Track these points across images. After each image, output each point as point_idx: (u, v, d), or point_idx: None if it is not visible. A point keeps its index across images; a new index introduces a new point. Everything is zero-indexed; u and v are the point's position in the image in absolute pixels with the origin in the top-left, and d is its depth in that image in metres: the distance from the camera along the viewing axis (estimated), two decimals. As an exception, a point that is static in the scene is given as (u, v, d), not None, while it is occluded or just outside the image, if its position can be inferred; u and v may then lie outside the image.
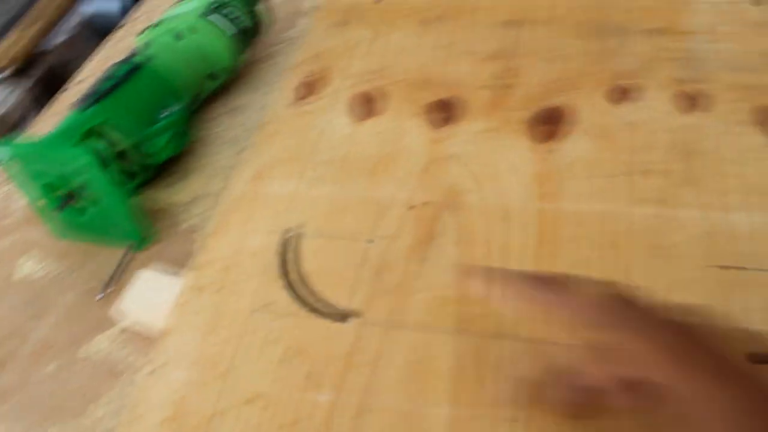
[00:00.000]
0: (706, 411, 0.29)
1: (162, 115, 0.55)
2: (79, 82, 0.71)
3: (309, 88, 0.60)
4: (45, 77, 1.27)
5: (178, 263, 0.51)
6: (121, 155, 0.53)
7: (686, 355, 0.30)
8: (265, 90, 0.65)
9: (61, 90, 0.70)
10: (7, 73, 1.25)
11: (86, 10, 1.40)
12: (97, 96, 0.53)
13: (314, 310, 0.43)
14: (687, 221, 0.45)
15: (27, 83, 1.26)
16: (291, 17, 0.74)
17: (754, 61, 0.55)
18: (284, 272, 0.46)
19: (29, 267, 0.53)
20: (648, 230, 0.45)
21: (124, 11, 1.34)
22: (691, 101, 0.53)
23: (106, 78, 0.55)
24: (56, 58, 1.31)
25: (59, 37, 1.34)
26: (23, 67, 1.26)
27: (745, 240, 0.43)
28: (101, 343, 0.47)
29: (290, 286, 0.45)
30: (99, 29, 1.39)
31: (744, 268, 0.42)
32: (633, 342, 0.30)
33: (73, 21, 1.38)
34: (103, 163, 0.52)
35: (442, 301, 0.43)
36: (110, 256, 0.53)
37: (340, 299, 0.44)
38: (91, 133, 0.52)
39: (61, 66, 1.28)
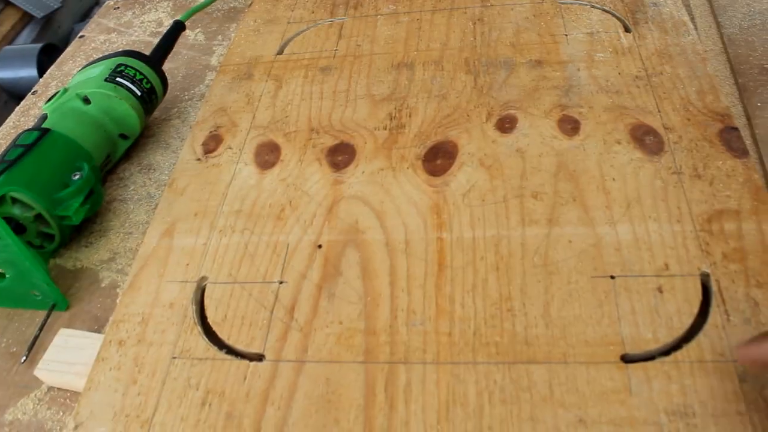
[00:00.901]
0: None
1: (72, 179, 0.56)
2: (-8, 150, 0.72)
3: (215, 142, 0.62)
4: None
5: (101, 320, 0.53)
6: (31, 222, 0.54)
7: None
8: (176, 146, 0.67)
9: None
10: None
11: (2, 76, 1.39)
12: (7, 164, 0.54)
13: (231, 352, 0.46)
14: (574, 237, 0.49)
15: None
16: (200, 72, 0.76)
17: (627, 83, 0.59)
18: (200, 319, 0.48)
19: (-51, 338, 0.54)
20: (538, 250, 0.48)
21: (42, 76, 1.35)
22: (572, 125, 0.57)
23: (16, 145, 0.56)
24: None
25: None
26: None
27: (627, 248, 0.47)
28: (27, 406, 0.48)
29: (207, 331, 0.47)
30: (16, 95, 1.38)
31: (626, 276, 0.46)
32: None
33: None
34: (19, 228, 0.53)
35: (351, 332, 0.45)
36: (32, 319, 0.54)
37: (255, 339, 0.46)
38: (3, 200, 0.53)
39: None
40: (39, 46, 1.37)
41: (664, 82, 0.59)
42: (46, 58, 1.39)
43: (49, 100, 0.62)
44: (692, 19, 0.69)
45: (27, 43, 1.50)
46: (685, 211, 0.49)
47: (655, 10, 0.67)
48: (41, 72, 1.40)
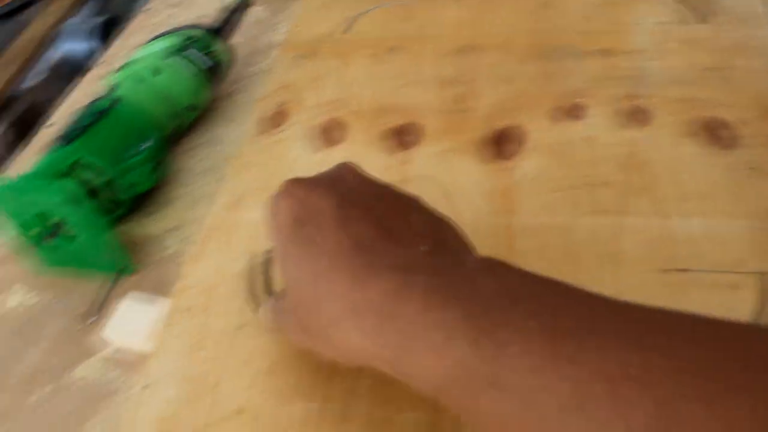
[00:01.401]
0: None
1: (140, 148, 0.57)
2: (53, 123, 0.73)
3: (281, 117, 0.62)
4: (19, 119, 1.29)
5: (161, 289, 0.53)
6: (102, 188, 0.55)
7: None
8: (240, 120, 0.67)
9: (36, 131, 0.73)
10: (-20, 116, 1.27)
11: (57, 52, 1.41)
12: (77, 132, 0.55)
13: (296, 324, 0.46)
14: (644, 228, 0.48)
15: (1, 126, 1.28)
16: (264, 50, 0.77)
17: (696, 75, 0.59)
18: (266, 291, 0.49)
19: (15, 299, 0.55)
20: (601, 239, 0.48)
21: (92, 52, 1.37)
22: (636, 116, 0.56)
23: (84, 115, 0.57)
24: (29, 101, 1.32)
25: (32, 79, 1.35)
26: (5, 104, 1.28)
27: (691, 243, 0.47)
28: (91, 367, 0.49)
29: (273, 303, 0.48)
30: (70, 70, 1.41)
31: (687, 270, 0.45)
32: None
33: (45, 63, 1.40)
34: (84, 196, 0.54)
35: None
36: (95, 284, 0.55)
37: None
38: (71, 169, 0.54)
39: (35, 108, 1.29)
40: (101, 20, 1.39)
41: (738, 75, 0.58)
42: (107, 32, 1.41)
43: (120, 69, 0.63)
44: None
45: (90, 16, 1.52)
46: (760, 207, 0.48)
47: (730, 1, 0.66)
48: (91, 48, 1.42)
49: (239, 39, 0.78)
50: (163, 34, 0.67)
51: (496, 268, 0.31)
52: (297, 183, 0.38)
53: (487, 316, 0.28)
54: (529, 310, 0.27)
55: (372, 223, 0.34)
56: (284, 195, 0.38)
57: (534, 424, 0.26)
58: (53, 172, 0.53)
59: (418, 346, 0.29)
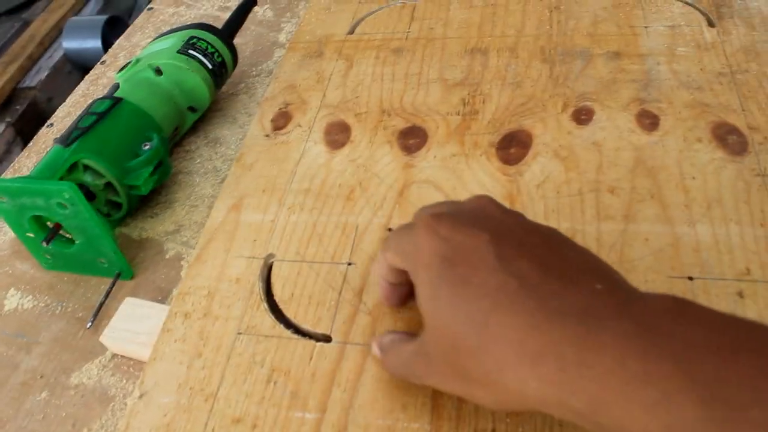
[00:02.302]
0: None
1: (144, 148, 0.57)
2: (52, 123, 0.72)
3: (285, 119, 0.62)
4: (27, 112, 1.29)
5: (164, 291, 0.53)
6: (101, 190, 0.55)
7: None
8: (243, 121, 0.67)
9: (45, 126, 0.72)
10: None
11: (68, 46, 1.41)
12: (80, 131, 0.54)
13: (297, 332, 0.45)
14: (651, 235, 0.47)
15: (10, 119, 1.27)
16: (268, 49, 0.76)
17: (710, 80, 0.58)
18: (267, 296, 0.48)
19: (18, 299, 0.55)
20: (614, 246, 0.47)
21: (106, 47, 1.36)
22: (651, 120, 0.55)
23: (88, 113, 0.57)
24: (38, 94, 1.32)
25: (41, 73, 1.35)
26: (5, 103, 1.28)
27: (698, 250, 0.46)
28: (91, 371, 0.49)
29: (273, 309, 0.47)
30: (80, 65, 1.41)
31: (704, 278, 0.44)
32: None
33: (54, 58, 1.40)
34: (88, 195, 0.53)
35: (420, 318, 0.44)
36: (97, 285, 0.54)
37: (321, 320, 0.45)
38: (75, 167, 0.53)
39: (44, 101, 1.30)
40: (104, 17, 1.39)
41: (750, 80, 0.57)
42: (110, 30, 1.41)
43: (122, 69, 0.62)
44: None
45: (92, 14, 1.52)
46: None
47: (742, 4, 0.65)
48: (105, 43, 1.43)
49: (243, 39, 0.77)
50: (166, 33, 0.66)
51: (686, 309, 0.29)
52: (437, 219, 0.36)
53: (709, 373, 0.26)
54: (754, 365, 0.25)
55: (532, 261, 0.32)
56: (425, 231, 0.35)
57: None
58: (52, 173, 0.52)
59: (622, 399, 0.27)
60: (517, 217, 0.37)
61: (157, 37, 0.66)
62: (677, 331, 0.28)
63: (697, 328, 0.28)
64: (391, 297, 0.44)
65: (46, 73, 1.35)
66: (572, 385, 0.28)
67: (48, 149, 0.68)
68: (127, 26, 0.87)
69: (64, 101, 0.75)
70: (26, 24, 1.46)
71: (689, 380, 0.26)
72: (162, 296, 0.52)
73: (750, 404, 0.24)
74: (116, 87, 0.61)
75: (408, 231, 0.37)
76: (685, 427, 0.25)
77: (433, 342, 0.35)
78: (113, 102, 0.57)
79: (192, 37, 0.64)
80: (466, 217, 0.36)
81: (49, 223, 0.53)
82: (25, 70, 1.34)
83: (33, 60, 1.36)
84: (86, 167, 0.54)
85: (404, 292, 0.43)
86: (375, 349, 0.42)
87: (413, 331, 0.44)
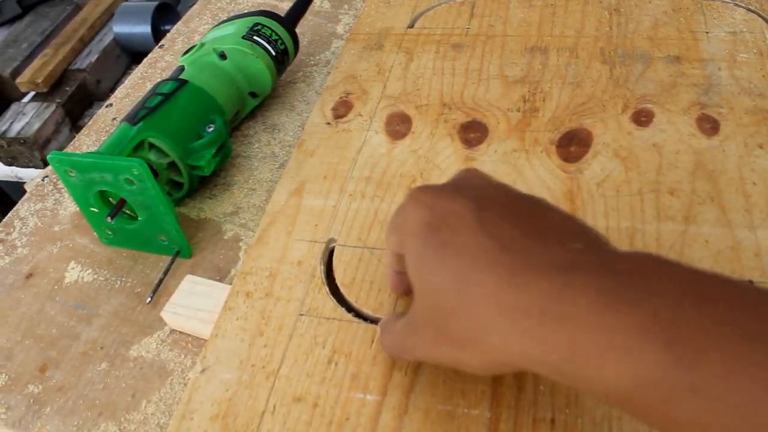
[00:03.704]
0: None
1: (207, 130, 0.58)
2: (111, 104, 0.73)
3: (346, 107, 0.62)
4: (77, 94, 1.31)
5: (223, 270, 0.54)
6: (169, 167, 0.56)
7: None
8: (301, 108, 0.68)
9: (104, 106, 0.73)
10: (41, 89, 1.29)
11: (118, 31, 1.43)
12: (147, 110, 0.55)
13: (358, 315, 0.46)
14: (711, 237, 0.47)
15: (60, 99, 1.29)
16: (326, 39, 0.77)
17: (767, 86, 0.58)
18: (328, 279, 0.48)
19: (79, 272, 0.56)
20: (674, 246, 0.47)
21: (155, 33, 1.38)
22: (711, 125, 0.55)
23: (154, 94, 0.58)
24: (88, 76, 1.34)
25: (91, 56, 1.37)
26: (56, 84, 1.30)
27: (757, 254, 0.46)
28: (150, 345, 0.50)
29: (335, 292, 0.48)
30: (130, 49, 1.43)
31: (765, 282, 0.44)
32: None
33: (105, 41, 1.41)
34: (153, 173, 0.54)
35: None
36: (155, 263, 0.55)
37: (383, 305, 0.46)
38: (141, 146, 0.54)
39: (93, 84, 1.32)
40: (154, 4, 1.41)
41: (812, 89, 0.57)
42: (159, 16, 1.42)
43: (186, 52, 0.63)
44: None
45: (143, 0, 1.54)
46: (834, 223, 0.47)
47: (806, 12, 0.65)
48: (154, 29, 1.44)
49: (301, 29, 0.78)
50: (229, 19, 0.67)
51: (662, 265, 0.30)
52: (423, 190, 0.37)
53: (676, 320, 0.26)
54: (717, 313, 0.26)
55: (512, 222, 0.33)
56: (411, 202, 0.36)
57: None
58: (119, 150, 0.53)
59: (597, 349, 0.27)
60: (502, 186, 0.38)
61: (222, 22, 0.67)
62: (651, 283, 0.28)
63: (669, 281, 0.28)
64: (398, 286, 0.44)
65: (96, 57, 1.36)
66: (550, 339, 0.29)
67: (107, 128, 0.69)
68: (176, 13, 0.88)
69: (113, 84, 0.77)
70: (78, 7, 1.48)
71: (657, 327, 0.26)
72: (220, 276, 0.53)
73: (709, 347, 0.25)
74: (181, 69, 0.62)
75: (400, 208, 0.38)
76: (650, 372, 0.26)
77: (419, 310, 0.36)
78: (179, 84, 0.58)
79: (256, 24, 0.65)
80: (451, 187, 0.37)
81: (111, 199, 0.54)
82: (76, 53, 1.36)
83: (84, 43, 1.38)
84: (151, 146, 0.55)
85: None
86: (378, 332, 0.43)
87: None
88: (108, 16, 1.45)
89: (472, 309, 0.31)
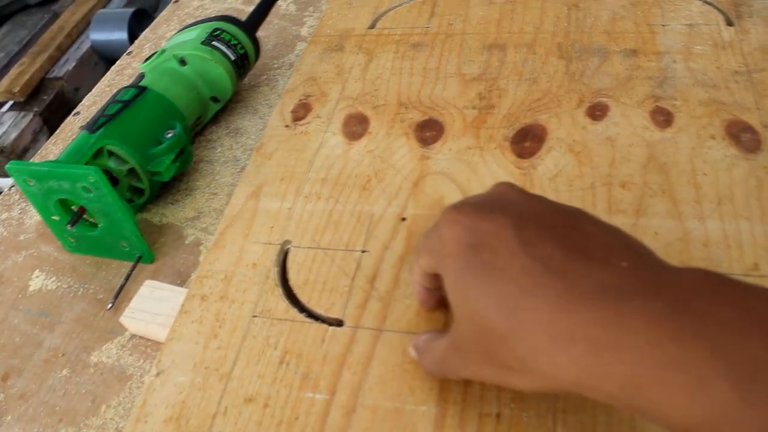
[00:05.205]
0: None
1: (167, 136, 0.58)
2: (78, 112, 0.74)
3: (305, 110, 0.63)
4: (55, 102, 1.31)
5: (183, 275, 0.54)
6: (129, 173, 0.56)
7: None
8: (264, 112, 0.68)
9: (71, 114, 0.74)
10: (18, 98, 1.29)
11: (95, 38, 1.43)
12: (106, 118, 0.56)
13: (310, 316, 0.46)
14: (660, 229, 0.48)
15: (38, 108, 1.30)
16: (290, 42, 0.77)
17: (726, 78, 0.58)
18: (282, 281, 0.49)
19: (43, 280, 0.56)
20: (622, 238, 0.47)
21: (132, 40, 1.39)
22: (665, 117, 0.56)
23: (114, 101, 0.58)
24: (65, 84, 1.35)
25: (69, 64, 1.37)
26: (34, 93, 1.30)
27: (707, 246, 0.46)
28: (111, 350, 0.50)
29: (288, 294, 0.48)
30: (106, 57, 1.43)
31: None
32: None
33: (82, 49, 1.42)
34: (112, 181, 0.55)
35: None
36: (118, 269, 0.56)
37: (334, 305, 0.47)
38: (100, 153, 0.55)
39: (70, 92, 1.32)
40: (130, 11, 1.41)
41: (766, 79, 0.57)
42: (136, 23, 1.43)
43: (147, 59, 0.64)
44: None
45: (119, 7, 1.54)
46: (781, 212, 0.47)
47: (762, 3, 0.65)
48: (131, 36, 1.45)
49: (266, 32, 0.78)
50: (191, 25, 0.67)
51: (716, 284, 0.29)
52: (458, 208, 0.36)
53: (742, 354, 0.25)
54: None
55: (554, 241, 0.32)
56: (446, 223, 0.36)
57: None
58: (78, 158, 0.53)
59: (659, 384, 0.27)
60: (539, 199, 0.37)
61: (182, 29, 0.67)
62: (710, 311, 0.27)
63: (730, 306, 0.27)
64: (428, 301, 0.44)
65: (73, 64, 1.37)
66: (605, 369, 0.28)
67: (74, 136, 0.69)
68: (152, 19, 0.89)
69: (90, 92, 0.77)
70: (56, 16, 1.48)
71: (725, 363, 0.25)
72: (181, 280, 0.54)
73: None
74: (141, 76, 0.62)
75: (434, 229, 0.37)
76: (724, 411, 0.25)
77: (463, 332, 0.35)
78: (138, 91, 0.59)
79: (216, 29, 0.65)
80: (488, 204, 0.36)
81: (73, 207, 0.55)
82: (53, 61, 1.36)
83: (61, 51, 1.39)
84: (111, 153, 0.55)
85: (441, 296, 0.42)
86: (412, 352, 0.42)
87: (425, 317, 0.45)
88: (85, 23, 1.45)
89: (522, 336, 0.31)
